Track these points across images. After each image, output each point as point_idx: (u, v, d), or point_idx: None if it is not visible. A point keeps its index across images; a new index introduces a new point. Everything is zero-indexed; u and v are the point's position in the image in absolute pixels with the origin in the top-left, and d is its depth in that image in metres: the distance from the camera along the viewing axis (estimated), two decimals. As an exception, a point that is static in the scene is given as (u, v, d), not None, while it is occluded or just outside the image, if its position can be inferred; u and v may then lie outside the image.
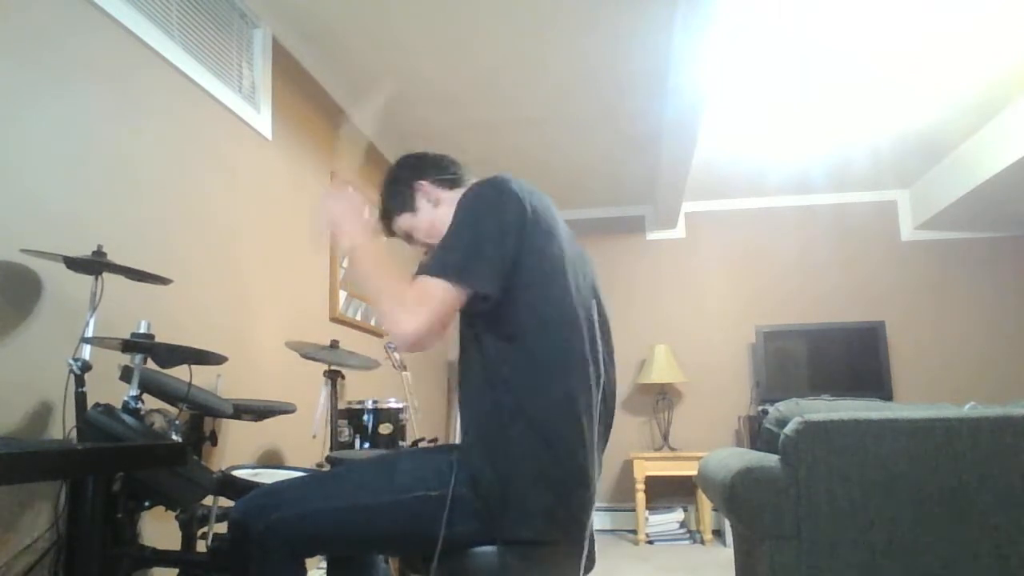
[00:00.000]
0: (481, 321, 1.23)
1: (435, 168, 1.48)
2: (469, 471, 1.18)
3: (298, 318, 2.91)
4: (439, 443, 2.50)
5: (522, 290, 1.20)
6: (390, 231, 1.53)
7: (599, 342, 1.31)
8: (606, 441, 1.38)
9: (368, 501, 1.19)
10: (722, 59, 3.18)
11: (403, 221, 1.48)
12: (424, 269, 1.18)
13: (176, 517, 1.73)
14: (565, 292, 1.25)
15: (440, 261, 1.17)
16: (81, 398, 1.47)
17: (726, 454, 1.94)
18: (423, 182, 1.46)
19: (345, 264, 3.34)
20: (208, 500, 1.70)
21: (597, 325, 1.33)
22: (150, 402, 1.57)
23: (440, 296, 1.14)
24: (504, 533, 1.16)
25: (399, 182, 1.48)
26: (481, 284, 1.16)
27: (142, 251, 1.99)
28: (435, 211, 1.45)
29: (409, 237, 1.51)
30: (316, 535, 1.20)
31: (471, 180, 1.48)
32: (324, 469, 2.31)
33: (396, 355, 2.97)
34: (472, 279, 1.16)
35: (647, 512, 4.55)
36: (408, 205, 1.47)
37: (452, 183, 1.47)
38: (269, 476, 1.82)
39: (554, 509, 1.18)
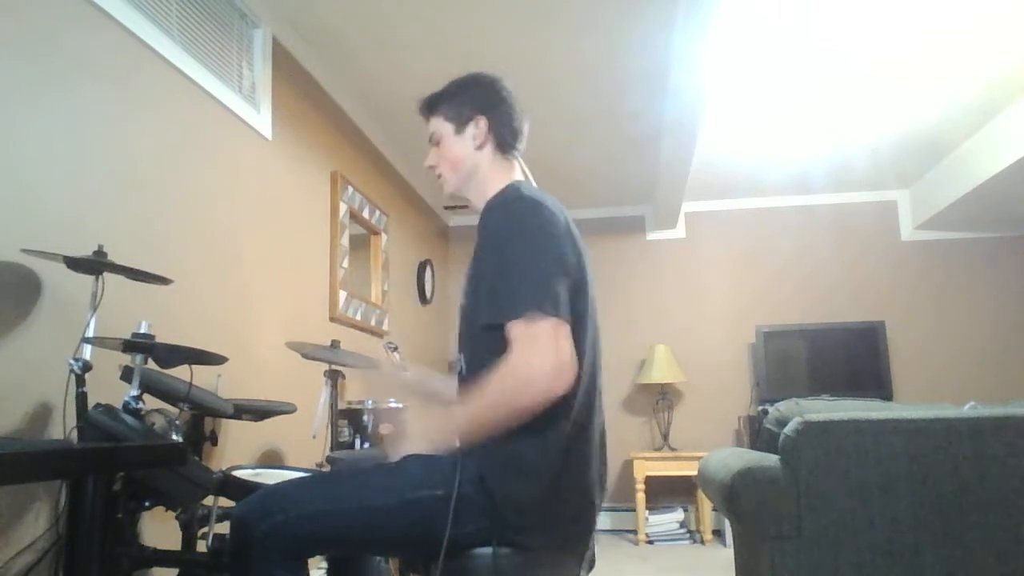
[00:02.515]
0: (494, 330, 1.21)
1: (504, 119, 1.39)
2: (476, 471, 1.18)
3: (298, 318, 2.91)
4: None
5: None
6: (427, 115, 1.44)
7: (599, 354, 1.32)
8: (605, 449, 1.38)
9: (373, 502, 1.18)
10: (722, 59, 3.18)
11: (441, 127, 1.41)
12: (515, 314, 1.13)
13: (176, 517, 1.73)
14: (586, 313, 1.25)
15: (520, 299, 1.13)
16: (82, 398, 1.47)
17: (726, 454, 1.94)
18: (486, 119, 1.38)
19: (346, 264, 3.34)
20: (208, 500, 1.70)
21: (598, 337, 1.34)
22: (150, 402, 1.57)
23: (556, 334, 1.12)
24: (508, 535, 1.16)
25: (468, 99, 1.39)
26: (566, 312, 1.15)
27: (142, 251, 1.99)
28: (471, 152, 1.38)
29: (434, 141, 1.43)
30: (320, 537, 1.20)
31: (517, 157, 1.43)
32: (324, 469, 2.31)
33: (396, 355, 2.97)
34: (560, 308, 1.14)
35: (647, 512, 4.55)
36: (458, 121, 1.39)
37: (503, 144, 1.39)
38: (269, 476, 1.82)
39: (560, 515, 1.18)
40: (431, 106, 1.44)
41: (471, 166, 1.39)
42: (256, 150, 2.67)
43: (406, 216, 4.41)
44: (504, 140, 1.39)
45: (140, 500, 1.46)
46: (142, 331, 1.46)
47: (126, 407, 1.41)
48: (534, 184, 1.42)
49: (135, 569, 1.50)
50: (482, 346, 1.23)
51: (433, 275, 4.87)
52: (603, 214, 5.37)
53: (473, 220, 1.33)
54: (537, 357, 1.11)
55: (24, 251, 1.53)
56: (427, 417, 1.31)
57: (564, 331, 1.14)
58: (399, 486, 1.19)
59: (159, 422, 1.51)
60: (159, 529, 1.90)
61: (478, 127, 1.38)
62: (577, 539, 1.22)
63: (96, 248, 1.57)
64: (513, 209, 1.23)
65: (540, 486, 1.16)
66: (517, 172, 1.42)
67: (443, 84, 1.45)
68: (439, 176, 1.43)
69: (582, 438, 1.22)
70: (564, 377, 1.12)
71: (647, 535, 4.50)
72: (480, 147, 1.38)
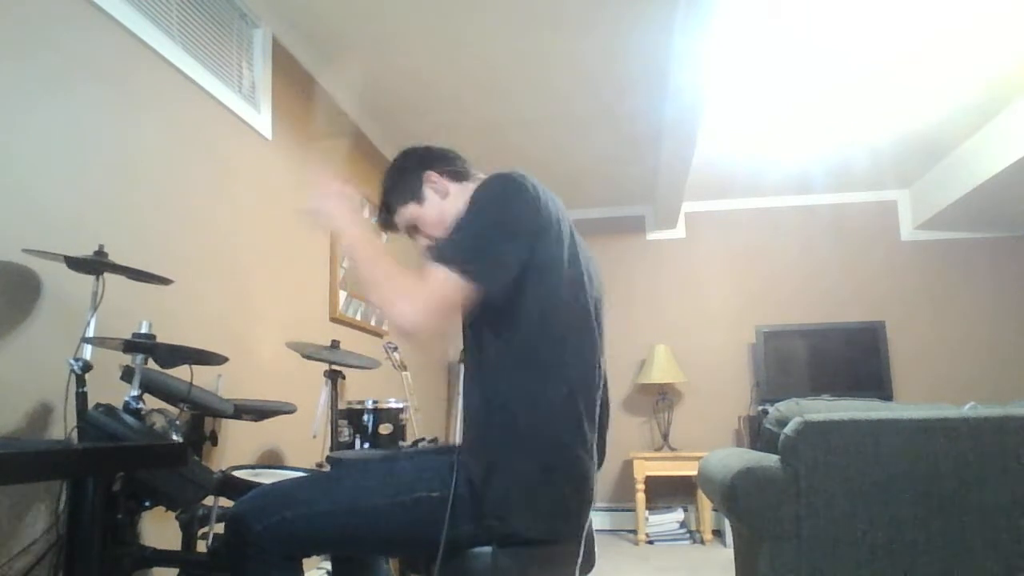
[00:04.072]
0: (483, 322, 1.22)
1: (442, 160, 1.46)
2: (469, 472, 1.18)
3: (298, 318, 2.91)
4: (439, 443, 2.50)
5: (531, 292, 1.19)
6: (391, 225, 1.50)
7: (601, 346, 1.32)
8: (604, 442, 1.38)
9: (369, 503, 1.19)
10: (722, 59, 3.18)
11: (408, 212, 1.45)
12: (431, 257, 1.14)
13: (176, 517, 1.73)
14: (577, 295, 1.24)
15: (448, 251, 1.14)
16: (82, 398, 1.47)
17: (726, 454, 1.94)
18: (431, 172, 1.43)
19: (346, 263, 3.34)
20: (208, 500, 1.70)
21: (601, 329, 1.33)
22: (151, 402, 1.57)
23: (444, 285, 1.11)
24: (502, 534, 1.16)
25: (406, 172, 1.46)
26: (486, 281, 1.14)
27: (143, 251, 1.99)
28: (442, 203, 1.43)
29: (413, 229, 1.47)
30: (316, 537, 1.20)
31: (477, 175, 1.47)
32: (324, 469, 2.31)
33: (396, 355, 2.97)
34: (479, 275, 1.13)
35: (647, 512, 4.55)
36: (415, 195, 1.44)
37: (459, 176, 1.45)
38: (269, 476, 1.82)
39: (552, 510, 1.18)
40: (387, 208, 1.48)
41: (451, 213, 1.41)
42: (256, 150, 2.67)
43: (406, 216, 4.41)
44: (456, 173, 1.45)
45: (140, 500, 1.46)
46: (143, 331, 1.46)
47: (126, 407, 1.41)
48: None
49: (135, 569, 1.50)
50: (479, 333, 1.23)
51: (433, 275, 4.86)
52: (603, 214, 5.36)
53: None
54: (413, 302, 1.10)
55: (24, 251, 1.53)
56: (360, 223, 1.28)
57: (452, 286, 1.12)
58: (395, 487, 1.19)
59: (159, 422, 1.51)
60: (159, 529, 1.90)
61: (431, 182, 1.43)
62: (570, 524, 1.21)
63: (96, 248, 1.57)
64: (489, 184, 1.24)
65: (527, 474, 1.16)
66: None
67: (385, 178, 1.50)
68: None
69: (572, 426, 1.21)
70: (418, 321, 1.10)
71: (647, 535, 4.50)
72: (445, 195, 1.43)
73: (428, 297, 1.11)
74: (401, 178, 1.46)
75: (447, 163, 1.45)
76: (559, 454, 1.19)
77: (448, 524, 1.15)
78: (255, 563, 1.17)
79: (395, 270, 1.16)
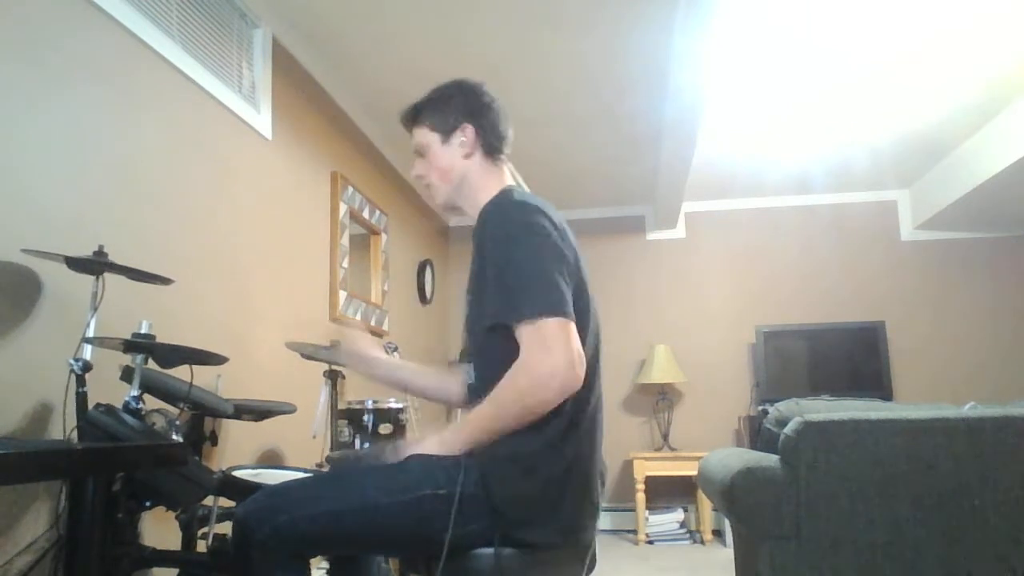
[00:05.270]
0: (501, 333, 1.21)
1: (492, 126, 1.38)
2: (479, 471, 1.18)
3: (298, 318, 2.91)
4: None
5: None
6: (409, 126, 1.43)
7: (600, 352, 1.33)
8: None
9: (375, 501, 1.18)
10: (722, 59, 3.18)
11: (428, 138, 1.39)
12: (522, 315, 1.14)
13: (176, 517, 1.73)
14: (587, 310, 1.26)
15: (538, 302, 1.15)
16: (82, 398, 1.47)
17: (726, 454, 1.94)
18: (472, 126, 1.37)
19: (346, 263, 3.34)
20: (208, 500, 1.70)
21: (599, 334, 1.34)
22: (151, 402, 1.57)
23: (563, 336, 1.13)
24: (510, 532, 1.17)
25: (453, 107, 1.38)
26: (571, 310, 1.16)
27: (143, 251, 1.99)
28: (460, 160, 1.37)
29: (419, 153, 1.42)
30: (323, 536, 1.19)
31: (506, 164, 1.43)
32: (324, 469, 2.31)
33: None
34: (569, 309, 1.16)
35: (647, 512, 4.55)
36: (444, 130, 1.38)
37: (492, 151, 1.39)
38: (269, 476, 1.82)
39: (561, 514, 1.19)
40: (415, 116, 1.42)
41: (461, 175, 1.38)
42: (256, 150, 2.67)
43: (406, 216, 4.41)
44: (491, 146, 1.39)
45: (140, 500, 1.46)
46: (143, 331, 1.46)
47: (126, 407, 1.41)
48: (525, 187, 1.43)
49: (135, 569, 1.50)
50: (489, 352, 1.23)
51: (433, 275, 4.87)
52: (603, 214, 5.37)
53: (473, 221, 1.33)
54: (550, 356, 1.12)
55: (24, 251, 1.53)
56: (440, 427, 1.30)
57: (572, 329, 1.16)
58: (402, 486, 1.19)
59: (159, 422, 1.51)
60: (159, 529, 1.90)
61: (465, 135, 1.37)
62: (579, 534, 1.22)
63: (96, 248, 1.57)
64: (510, 212, 1.24)
65: (540, 481, 1.17)
66: (507, 176, 1.43)
67: (426, 91, 1.43)
68: (428, 186, 1.43)
69: (583, 433, 1.22)
70: (577, 374, 1.14)
71: (647, 535, 4.50)
72: (468, 155, 1.38)
73: (558, 358, 1.12)
74: (445, 107, 1.39)
75: (492, 131, 1.38)
76: (574, 462, 1.20)
77: (455, 523, 1.15)
78: (262, 564, 1.17)
79: (499, 402, 1.16)
